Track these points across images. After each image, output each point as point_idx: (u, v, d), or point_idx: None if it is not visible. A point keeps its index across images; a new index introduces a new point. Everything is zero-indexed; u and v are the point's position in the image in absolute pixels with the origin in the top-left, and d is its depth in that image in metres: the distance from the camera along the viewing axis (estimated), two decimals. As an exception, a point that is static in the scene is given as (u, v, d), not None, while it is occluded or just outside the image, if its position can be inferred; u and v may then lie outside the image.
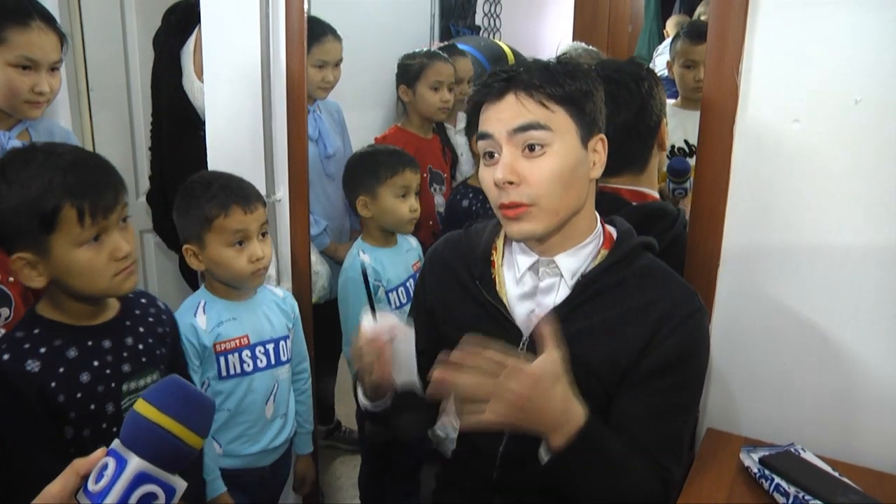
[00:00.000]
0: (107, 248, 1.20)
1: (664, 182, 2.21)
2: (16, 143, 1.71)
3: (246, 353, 1.71)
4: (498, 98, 1.19)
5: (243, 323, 1.71)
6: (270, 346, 1.75)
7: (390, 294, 2.10)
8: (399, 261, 2.15)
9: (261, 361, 1.73)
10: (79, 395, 1.22)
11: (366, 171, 2.12)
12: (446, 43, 3.05)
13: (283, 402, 1.79)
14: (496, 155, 1.19)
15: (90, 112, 2.50)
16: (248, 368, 1.71)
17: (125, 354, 1.30)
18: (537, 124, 1.15)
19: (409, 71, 2.60)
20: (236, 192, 1.64)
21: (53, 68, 1.70)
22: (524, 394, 1.03)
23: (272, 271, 1.97)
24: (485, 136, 1.21)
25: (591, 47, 2.74)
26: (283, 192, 2.01)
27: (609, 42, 4.26)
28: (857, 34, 1.29)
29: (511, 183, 1.16)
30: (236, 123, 1.97)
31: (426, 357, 1.44)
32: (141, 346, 1.34)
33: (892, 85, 1.28)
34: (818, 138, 1.35)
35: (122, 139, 2.61)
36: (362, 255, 2.10)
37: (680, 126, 2.42)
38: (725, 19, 1.37)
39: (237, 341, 1.69)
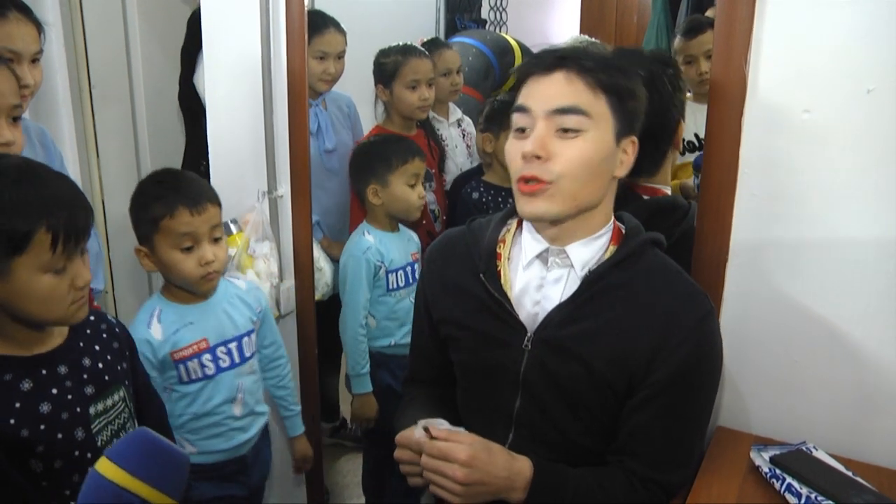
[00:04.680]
0: (69, 275, 1.15)
1: (689, 177, 2.20)
2: None
3: (206, 357, 1.66)
4: (547, 72, 1.17)
5: (202, 326, 1.66)
6: (233, 345, 1.70)
7: (390, 275, 2.15)
8: (401, 246, 2.20)
9: (223, 362, 1.68)
10: (42, 426, 1.16)
11: (377, 159, 2.13)
12: (429, 38, 3.00)
13: (251, 398, 1.75)
14: (527, 130, 1.18)
15: (92, 109, 2.48)
16: (210, 372, 1.67)
17: (85, 376, 1.24)
18: (578, 108, 1.14)
19: (385, 70, 2.49)
20: (184, 191, 1.57)
21: (34, 60, 1.67)
22: (465, 478, 1.13)
23: (274, 268, 1.96)
24: (522, 109, 1.19)
25: (595, 41, 2.70)
26: (284, 189, 1.99)
27: (617, 35, 4.23)
28: (868, 21, 1.26)
29: (538, 158, 1.15)
30: (237, 120, 1.96)
31: (433, 357, 1.43)
32: (101, 365, 1.28)
33: (905, 74, 1.25)
34: (829, 129, 1.32)
35: (125, 136, 2.60)
36: (367, 235, 2.14)
37: (691, 119, 2.40)
38: (733, 8, 1.34)
39: (195, 347, 1.64)
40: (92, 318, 1.33)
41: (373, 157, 2.15)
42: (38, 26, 1.67)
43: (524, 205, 1.19)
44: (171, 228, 1.56)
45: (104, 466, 0.81)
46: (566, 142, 1.15)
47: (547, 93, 1.16)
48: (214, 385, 1.67)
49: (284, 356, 1.92)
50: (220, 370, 1.68)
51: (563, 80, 1.16)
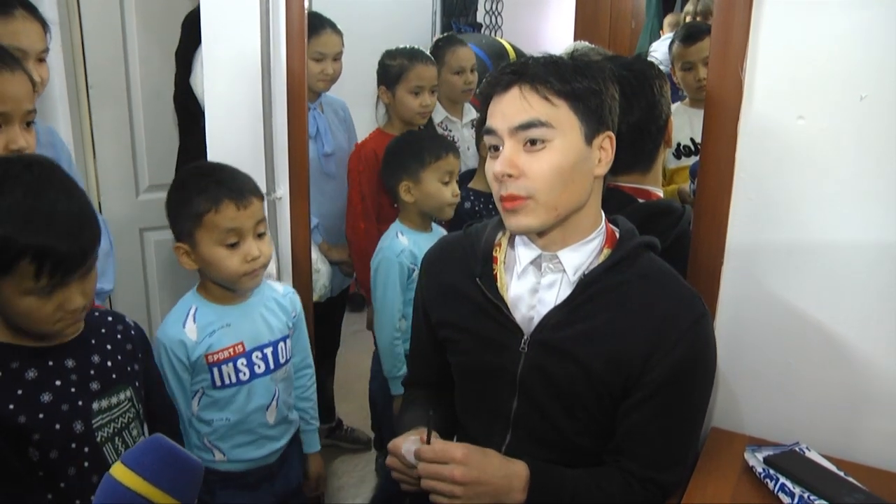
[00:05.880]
0: (56, 300, 1.13)
1: (686, 182, 2.22)
2: None
3: (241, 362, 1.60)
4: (504, 91, 1.19)
5: (238, 329, 1.60)
6: (269, 350, 1.65)
7: None
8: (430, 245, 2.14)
9: (259, 367, 1.63)
10: (41, 415, 1.17)
11: (410, 155, 2.09)
12: (446, 34, 2.97)
13: (285, 406, 1.71)
14: (500, 148, 1.19)
15: (89, 110, 2.48)
16: (245, 377, 1.61)
17: (92, 372, 1.25)
18: (538, 121, 1.15)
19: (390, 72, 2.45)
20: (229, 185, 1.51)
21: (40, 59, 1.67)
22: (465, 477, 1.15)
23: (272, 269, 1.96)
24: (489, 131, 1.21)
25: (594, 46, 2.71)
26: (283, 190, 1.99)
27: (611, 39, 4.24)
28: (862, 29, 1.27)
29: (510, 176, 1.17)
30: (236, 121, 1.96)
31: (431, 360, 1.44)
32: (109, 363, 1.28)
33: (898, 81, 1.27)
34: (823, 135, 1.33)
35: (122, 137, 2.60)
36: (400, 236, 2.09)
37: (687, 124, 2.43)
38: (730, 14, 1.36)
39: (230, 350, 1.58)
40: (110, 318, 1.34)
41: (405, 154, 2.11)
42: (44, 25, 1.67)
43: (508, 220, 1.21)
44: (216, 223, 1.49)
45: (120, 472, 0.80)
46: (534, 155, 1.17)
47: (507, 111, 1.18)
48: (249, 391, 1.62)
49: (311, 366, 1.86)
50: (254, 376, 1.62)
51: (518, 95, 1.17)
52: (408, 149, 2.12)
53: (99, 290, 1.81)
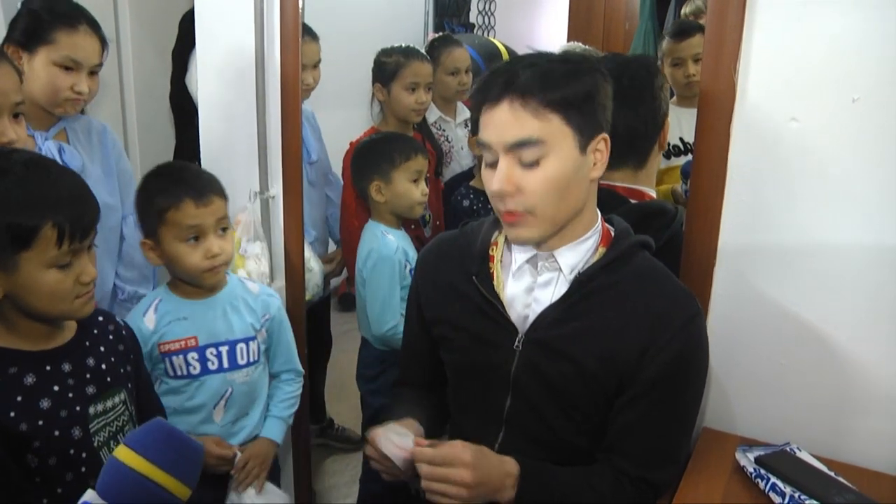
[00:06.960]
0: (75, 271, 1.16)
1: (677, 182, 2.23)
2: (51, 143, 1.73)
3: (192, 356, 1.62)
4: (495, 103, 1.16)
5: (194, 323, 1.62)
6: (224, 349, 1.65)
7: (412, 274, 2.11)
8: (410, 244, 2.17)
9: (212, 364, 1.64)
10: (40, 422, 1.16)
11: (380, 155, 2.12)
12: (441, 34, 2.97)
13: (236, 407, 1.68)
14: (496, 161, 1.18)
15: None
16: (195, 371, 1.62)
17: (88, 376, 1.24)
18: (531, 140, 1.13)
19: (385, 69, 2.46)
20: (190, 183, 1.55)
21: (93, 72, 1.76)
22: (474, 479, 1.14)
23: (265, 268, 1.96)
24: (483, 144, 1.19)
25: (588, 47, 2.72)
26: (276, 189, 1.99)
27: (604, 41, 4.24)
28: (855, 32, 1.28)
29: (507, 193, 1.16)
30: (230, 119, 1.96)
31: (423, 359, 1.44)
32: (104, 366, 1.28)
33: (890, 84, 1.27)
34: (816, 137, 1.34)
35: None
36: (388, 235, 2.11)
37: (675, 124, 2.41)
38: (723, 16, 1.36)
39: (183, 342, 1.61)
40: (100, 318, 1.34)
41: (375, 154, 2.14)
42: (103, 42, 1.77)
43: (510, 232, 1.22)
44: (177, 221, 1.54)
45: (124, 455, 0.82)
46: (530, 172, 1.15)
47: (499, 127, 1.15)
48: (199, 385, 1.63)
49: (296, 370, 1.84)
50: (206, 371, 1.63)
51: (508, 111, 1.14)
52: (378, 150, 2.15)
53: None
